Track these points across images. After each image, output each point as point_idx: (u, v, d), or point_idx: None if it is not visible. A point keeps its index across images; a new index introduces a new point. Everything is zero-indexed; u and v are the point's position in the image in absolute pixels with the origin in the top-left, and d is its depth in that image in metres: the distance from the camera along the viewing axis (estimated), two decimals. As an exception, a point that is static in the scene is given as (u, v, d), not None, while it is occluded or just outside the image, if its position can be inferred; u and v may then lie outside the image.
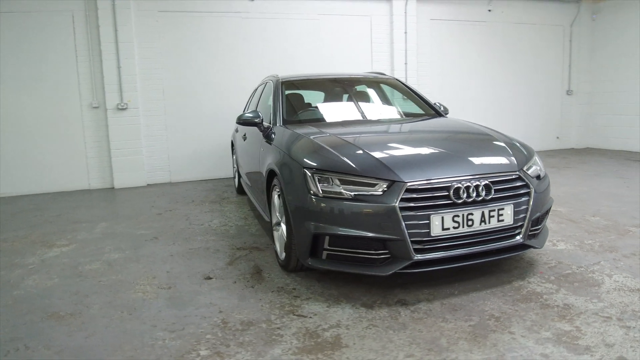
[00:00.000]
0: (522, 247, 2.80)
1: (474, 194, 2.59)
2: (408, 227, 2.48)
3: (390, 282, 2.85)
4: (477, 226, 2.60)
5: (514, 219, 2.69)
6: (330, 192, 2.62)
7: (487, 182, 2.64)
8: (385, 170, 2.60)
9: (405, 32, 7.78)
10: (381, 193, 2.53)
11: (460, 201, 2.57)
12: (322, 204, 2.61)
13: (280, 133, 3.48)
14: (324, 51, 7.52)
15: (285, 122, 3.75)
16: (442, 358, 2.04)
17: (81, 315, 2.59)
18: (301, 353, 2.13)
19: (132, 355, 2.16)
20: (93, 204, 5.81)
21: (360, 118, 3.99)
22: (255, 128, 4.04)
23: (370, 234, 2.51)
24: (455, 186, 2.58)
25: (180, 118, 7.02)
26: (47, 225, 4.71)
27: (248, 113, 3.88)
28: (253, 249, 3.68)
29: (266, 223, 4.14)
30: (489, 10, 8.33)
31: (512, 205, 2.68)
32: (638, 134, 8.22)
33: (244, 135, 4.73)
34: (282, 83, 4.22)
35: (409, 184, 2.53)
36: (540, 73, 8.90)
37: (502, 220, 2.66)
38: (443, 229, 2.53)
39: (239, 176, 5.64)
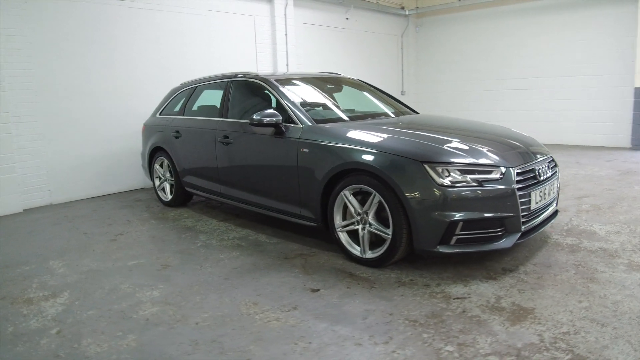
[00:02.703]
0: (556, 213, 3.59)
1: (545, 173, 3.24)
2: (520, 204, 2.96)
3: (471, 261, 3.27)
4: (546, 198, 3.26)
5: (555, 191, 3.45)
6: (457, 182, 2.87)
7: (547, 163, 3.33)
8: (494, 159, 3.00)
9: (286, 34, 8.02)
10: (500, 177, 2.92)
11: (541, 179, 3.18)
12: (453, 194, 2.84)
13: (339, 132, 3.45)
14: (213, 49, 7.13)
15: (318, 122, 3.69)
16: (589, 290, 2.61)
17: None
18: (513, 322, 2.39)
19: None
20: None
21: (369, 115, 4.19)
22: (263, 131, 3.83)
23: (496, 214, 2.89)
24: (538, 168, 3.18)
25: (60, 124, 5.66)
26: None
27: (269, 115, 3.65)
28: (310, 254, 3.54)
29: (293, 226, 3.98)
30: (347, 19, 9.27)
31: (557, 179, 3.43)
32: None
33: (226, 138, 4.29)
34: (278, 82, 4.10)
35: (517, 168, 3.00)
36: (383, 76, 10.33)
37: (553, 192, 3.39)
38: (536, 203, 3.10)
39: (179, 184, 5.04)
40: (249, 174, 4.12)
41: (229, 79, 4.59)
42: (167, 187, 5.33)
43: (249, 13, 7.57)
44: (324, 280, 3.05)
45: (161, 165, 5.38)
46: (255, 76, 4.36)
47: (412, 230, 2.95)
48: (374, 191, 3.08)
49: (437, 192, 2.85)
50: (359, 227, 3.24)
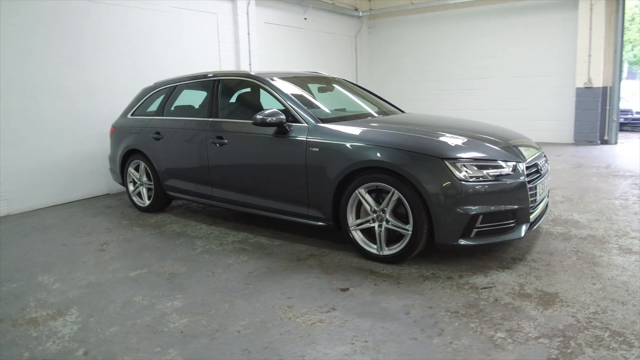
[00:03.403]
0: (547, 204, 3.85)
1: (544, 167, 3.47)
2: (530, 196, 3.15)
3: (479, 253, 3.44)
4: (545, 191, 3.50)
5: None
6: (475, 177, 3.00)
7: (543, 157, 3.56)
8: (504, 154, 3.17)
9: (248, 33, 7.88)
10: (512, 172, 3.09)
11: (542, 172, 3.40)
12: (473, 188, 2.97)
13: (351, 130, 3.47)
14: (179, 47, 6.85)
15: (324, 121, 3.68)
16: (597, 273, 2.85)
17: None
18: (545, 307, 2.54)
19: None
20: None
21: (368, 114, 4.22)
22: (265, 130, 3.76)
23: (510, 207, 3.05)
24: (539, 162, 3.40)
25: (19, 126, 5.16)
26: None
27: (272, 114, 3.59)
28: (321, 254, 3.52)
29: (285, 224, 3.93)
30: (305, 19, 9.27)
31: (548, 174, 3.68)
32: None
33: (219, 138, 4.14)
34: (273, 80, 4.05)
35: (525, 163, 3.19)
36: (339, 75, 10.37)
37: (548, 185, 3.64)
38: (539, 195, 3.31)
39: (159, 188, 4.80)
40: (247, 175, 4.02)
41: (216, 78, 4.44)
42: (144, 191, 5.05)
43: (211, 11, 7.35)
44: (348, 279, 3.06)
45: (137, 169, 5.08)
46: (247, 74, 4.26)
47: (433, 225, 3.04)
48: (393, 188, 3.14)
49: (458, 187, 2.96)
50: (375, 224, 3.28)
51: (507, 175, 3.07)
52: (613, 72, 8.15)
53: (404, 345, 2.26)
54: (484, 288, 2.84)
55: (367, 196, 3.29)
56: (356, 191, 3.32)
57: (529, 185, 3.14)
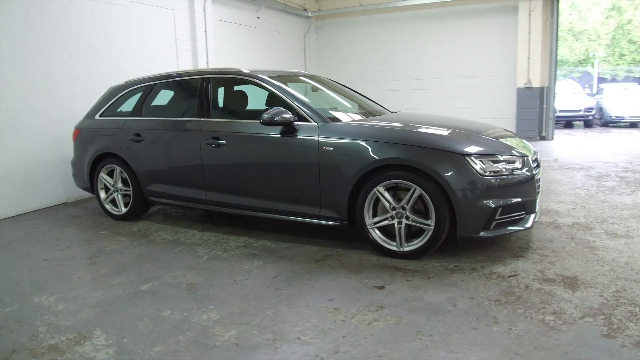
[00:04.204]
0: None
1: (540, 161, 3.73)
2: (535, 188, 3.38)
3: (486, 244, 3.62)
4: (541, 182, 3.76)
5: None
6: (494, 171, 3.16)
7: (537, 152, 3.82)
8: (515, 150, 3.36)
9: (205, 31, 7.59)
10: (521, 166, 3.29)
11: (540, 165, 3.65)
12: (493, 182, 3.13)
13: (369, 129, 3.50)
14: (136, 43, 6.43)
15: (333, 120, 3.66)
16: (599, 256, 3.14)
17: None
18: (573, 289, 2.75)
19: None
20: None
21: (368, 113, 4.25)
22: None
23: (522, 198, 3.26)
24: (537, 156, 3.64)
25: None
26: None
27: (278, 113, 3.52)
28: (336, 255, 3.50)
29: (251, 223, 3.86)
30: (258, 17, 9.12)
31: (539, 164, 3.98)
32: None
33: (215, 139, 3.96)
34: (271, 79, 3.97)
35: (531, 158, 3.41)
36: (289, 75, 10.40)
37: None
38: (539, 187, 3.56)
39: (139, 194, 4.49)
40: (248, 177, 3.88)
41: (205, 76, 4.24)
42: (119, 198, 4.68)
43: (168, 7, 6.98)
44: (378, 277, 3.08)
45: (110, 174, 4.70)
46: (240, 72, 4.12)
47: (457, 219, 3.15)
48: (414, 185, 3.20)
49: (480, 182, 3.10)
50: (395, 221, 3.33)
51: (519, 168, 3.27)
52: (549, 73, 8.94)
53: (469, 335, 2.33)
54: (510, 276, 3.00)
55: (386, 194, 3.33)
56: (374, 189, 3.34)
57: (535, 178, 3.36)
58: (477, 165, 3.13)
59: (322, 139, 3.52)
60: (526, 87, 8.98)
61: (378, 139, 3.38)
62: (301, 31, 10.76)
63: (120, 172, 4.62)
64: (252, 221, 4.41)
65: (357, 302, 2.75)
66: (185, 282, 3.15)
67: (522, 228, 3.32)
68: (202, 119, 4.12)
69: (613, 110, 12.55)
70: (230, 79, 4.28)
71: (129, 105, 4.78)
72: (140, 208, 4.66)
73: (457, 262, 3.26)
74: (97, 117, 4.87)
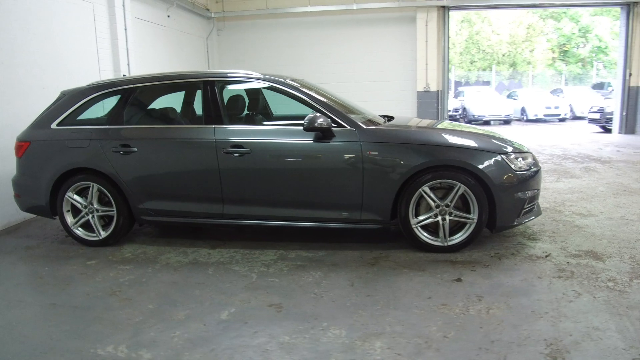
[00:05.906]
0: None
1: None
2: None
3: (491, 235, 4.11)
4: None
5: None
6: (522, 167, 3.63)
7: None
8: (524, 147, 3.89)
9: (125, 29, 6.79)
10: (533, 162, 3.83)
11: (531, 161, 4.28)
12: (523, 176, 3.60)
13: (416, 133, 3.77)
14: (57, 40, 5.47)
15: (366, 124, 3.74)
16: (590, 232, 3.88)
17: None
18: (604, 261, 3.35)
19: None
20: None
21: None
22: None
23: (537, 190, 3.81)
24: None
25: None
26: None
27: (316, 119, 3.50)
28: (381, 257, 3.59)
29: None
30: (168, 16, 8.45)
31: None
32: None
33: (238, 147, 3.68)
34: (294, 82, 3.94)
35: (534, 154, 3.98)
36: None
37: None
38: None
39: (127, 214, 3.96)
40: (280, 186, 3.73)
41: (209, 79, 3.92)
42: (96, 221, 4.00)
43: (86, -1, 6.09)
44: (445, 272, 3.30)
45: (81, 194, 4.00)
46: (252, 76, 3.96)
47: (497, 211, 3.54)
48: (459, 183, 3.50)
49: (515, 177, 3.55)
50: (439, 218, 3.58)
51: (534, 164, 3.80)
52: (443, 78, 10.14)
53: (573, 306, 2.70)
54: (547, 256, 3.49)
55: (431, 193, 3.56)
56: (420, 189, 3.54)
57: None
58: (512, 162, 3.57)
59: (364, 143, 3.58)
60: (425, 91, 10.06)
61: (426, 143, 3.60)
62: (204, 32, 10.27)
63: (98, 190, 3.96)
64: (265, 233, 4.25)
65: (454, 296, 2.93)
66: (264, 303, 2.93)
67: (537, 215, 3.88)
68: (215, 126, 3.80)
69: (475, 110, 14.81)
70: (246, 83, 4.02)
71: (97, 112, 4.14)
72: (125, 230, 4.06)
73: (494, 250, 3.66)
74: (53, 126, 4.08)
